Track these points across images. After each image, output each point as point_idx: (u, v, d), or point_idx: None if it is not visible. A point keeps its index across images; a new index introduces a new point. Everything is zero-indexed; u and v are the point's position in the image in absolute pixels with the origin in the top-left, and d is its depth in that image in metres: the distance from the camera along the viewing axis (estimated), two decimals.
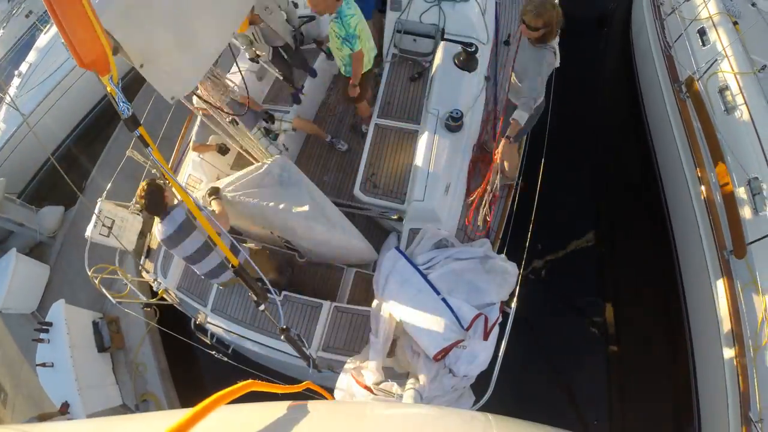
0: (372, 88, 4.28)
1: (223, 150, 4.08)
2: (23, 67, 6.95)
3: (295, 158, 4.56)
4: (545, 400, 4.27)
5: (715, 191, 3.92)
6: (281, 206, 3.18)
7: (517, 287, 3.08)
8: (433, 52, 4.17)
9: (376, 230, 4.00)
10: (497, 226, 3.66)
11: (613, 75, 6.29)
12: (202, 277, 3.18)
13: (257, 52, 4.09)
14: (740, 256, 3.57)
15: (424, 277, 3.05)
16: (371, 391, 2.82)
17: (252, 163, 3.38)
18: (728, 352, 3.38)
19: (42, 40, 7.20)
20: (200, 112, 3.55)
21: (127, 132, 2.02)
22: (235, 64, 3.74)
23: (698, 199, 4.03)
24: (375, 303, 3.18)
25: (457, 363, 2.75)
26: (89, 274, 3.46)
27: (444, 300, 2.90)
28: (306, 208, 3.17)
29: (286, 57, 4.24)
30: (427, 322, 2.80)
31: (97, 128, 7.11)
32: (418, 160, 3.60)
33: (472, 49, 3.77)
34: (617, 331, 4.58)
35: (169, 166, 3.95)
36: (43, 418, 3.52)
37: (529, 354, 4.33)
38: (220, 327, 3.42)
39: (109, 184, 3.85)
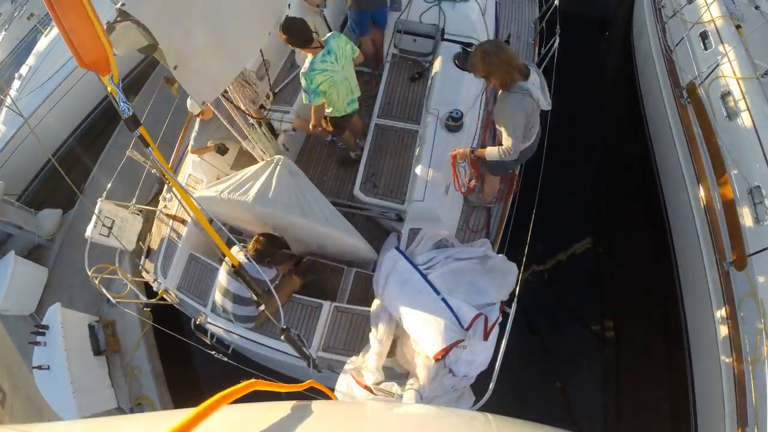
0: (361, 118, 4.17)
1: (222, 150, 4.07)
2: (23, 70, 6.95)
3: (295, 158, 4.56)
4: (545, 400, 4.27)
5: (716, 200, 3.79)
6: (281, 206, 3.18)
7: (517, 287, 3.08)
8: (433, 52, 4.18)
9: (376, 230, 4.00)
10: (497, 226, 3.66)
11: (614, 77, 6.27)
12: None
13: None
14: (740, 269, 3.47)
15: (424, 277, 3.04)
16: (371, 392, 2.81)
17: (253, 163, 3.38)
18: (726, 363, 3.32)
19: (42, 42, 7.19)
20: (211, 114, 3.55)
21: (126, 133, 2.02)
22: (263, 67, 3.65)
23: (698, 207, 3.91)
24: (375, 303, 3.18)
25: (457, 363, 2.75)
26: (89, 274, 3.46)
27: (444, 300, 2.89)
28: (305, 208, 3.16)
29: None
30: (427, 322, 2.79)
31: (96, 130, 7.11)
32: (418, 160, 3.61)
33: (472, 49, 3.77)
34: (616, 332, 4.57)
35: (169, 166, 3.94)
36: None
37: (529, 354, 4.33)
38: (220, 327, 3.42)
39: (109, 184, 3.85)
